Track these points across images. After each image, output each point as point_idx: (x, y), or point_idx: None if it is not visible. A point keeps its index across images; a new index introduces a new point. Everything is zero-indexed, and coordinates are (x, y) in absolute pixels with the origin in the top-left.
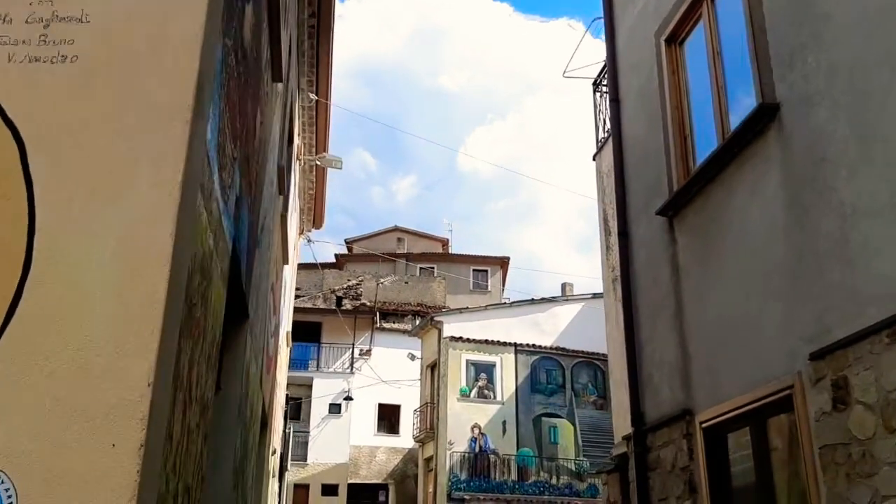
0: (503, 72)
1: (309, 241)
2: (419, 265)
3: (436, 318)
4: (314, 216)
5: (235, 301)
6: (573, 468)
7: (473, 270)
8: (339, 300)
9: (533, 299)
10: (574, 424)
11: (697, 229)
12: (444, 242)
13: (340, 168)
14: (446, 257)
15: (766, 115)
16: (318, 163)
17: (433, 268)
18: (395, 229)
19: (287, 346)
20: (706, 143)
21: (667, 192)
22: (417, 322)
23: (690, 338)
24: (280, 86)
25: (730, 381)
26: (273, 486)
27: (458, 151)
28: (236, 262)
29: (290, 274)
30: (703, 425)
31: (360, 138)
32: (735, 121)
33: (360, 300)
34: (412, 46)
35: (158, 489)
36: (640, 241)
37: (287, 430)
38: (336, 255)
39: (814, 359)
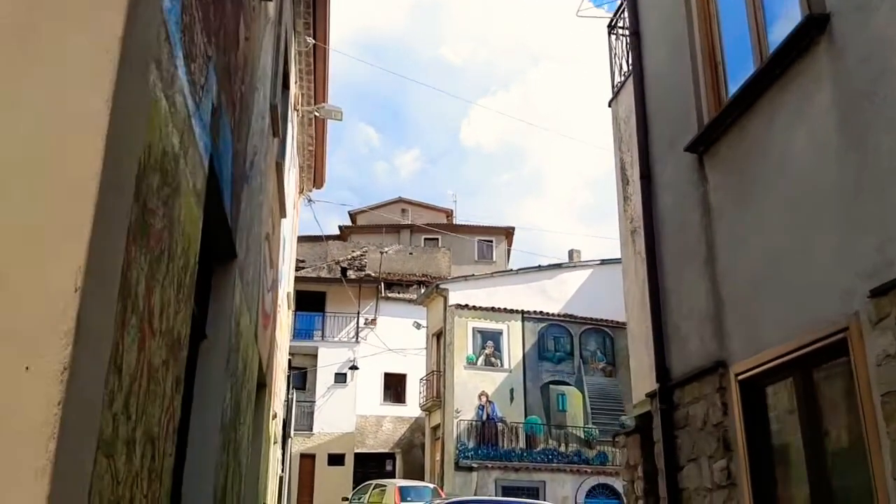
0: (506, 44)
1: (310, 200)
2: (424, 236)
3: (441, 286)
4: (315, 175)
5: (220, 235)
6: (581, 436)
7: (478, 241)
8: (343, 271)
9: (540, 266)
10: (582, 392)
11: (732, 165)
12: (449, 213)
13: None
14: (451, 228)
15: (814, 28)
16: (317, 113)
17: (437, 238)
18: (399, 200)
19: (289, 308)
20: (740, 70)
21: (695, 126)
22: (423, 291)
23: (724, 283)
24: (271, 6)
25: (771, 329)
26: (275, 452)
27: (462, 124)
28: (216, 186)
29: (289, 231)
30: (739, 378)
31: (363, 112)
32: (775, 41)
33: (364, 271)
34: (413, 19)
35: (101, 431)
36: (666, 183)
37: (290, 397)
38: (340, 227)
39: (875, 295)
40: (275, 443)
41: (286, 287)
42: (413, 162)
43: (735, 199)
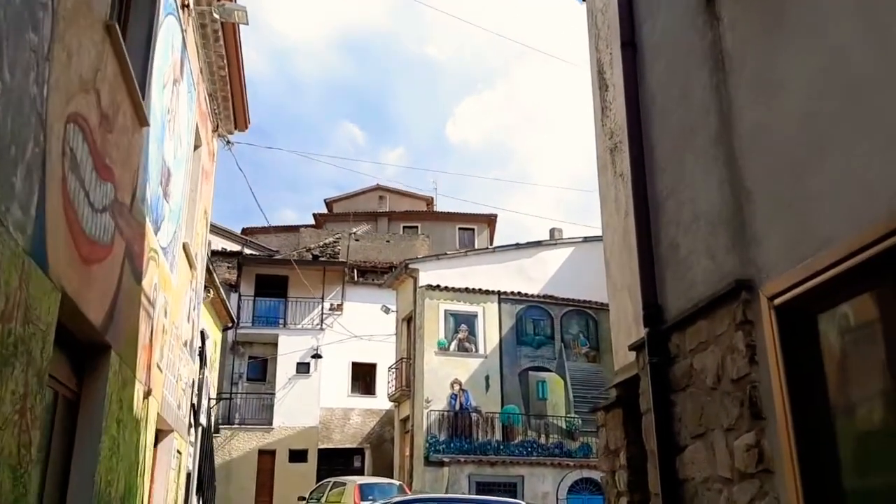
0: (492, 40)
1: (228, 143)
2: (403, 224)
3: (410, 266)
4: (234, 110)
5: None
6: (564, 426)
7: (459, 229)
8: (314, 258)
9: (518, 244)
10: (564, 378)
11: None
12: (429, 201)
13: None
14: (431, 216)
15: None
16: (217, 14)
17: (417, 227)
18: (377, 188)
19: (191, 268)
20: None
21: None
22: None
23: (747, 165)
24: None
25: (833, 217)
26: (175, 442)
27: (447, 122)
28: None
29: (197, 172)
30: (776, 302)
31: (347, 111)
32: None
33: (336, 258)
34: (396, 15)
35: None
36: (656, 45)
37: (202, 377)
38: (314, 215)
39: None
40: (145, 426)
41: (184, 236)
42: (398, 159)
43: (762, 32)
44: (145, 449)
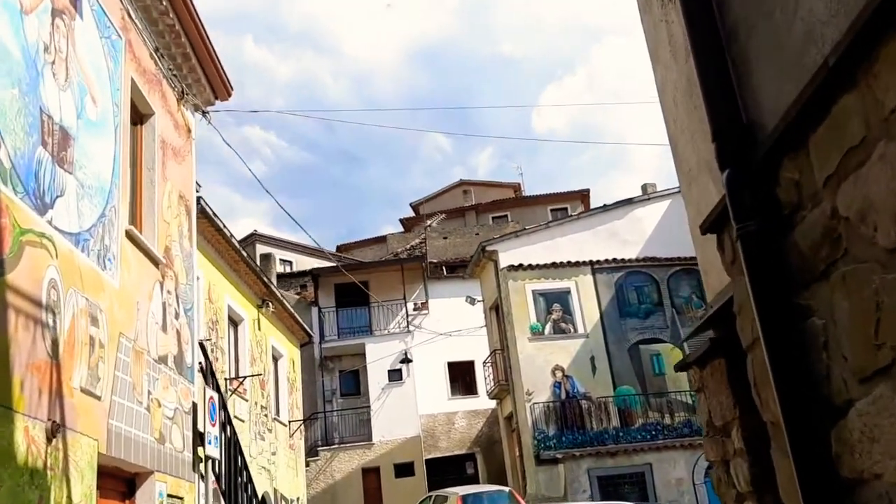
0: (563, 26)
1: (205, 113)
2: (491, 214)
3: (488, 248)
4: (206, 75)
5: None
6: (689, 401)
7: (551, 210)
8: (396, 258)
9: (605, 205)
10: (681, 348)
11: None
12: (516, 188)
13: None
14: (519, 202)
15: None
16: None
17: (506, 215)
18: (461, 183)
19: (156, 265)
20: None
21: None
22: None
23: None
24: None
25: None
26: (77, 490)
27: (532, 112)
28: None
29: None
30: None
31: (431, 121)
32: None
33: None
34: (463, 19)
35: None
36: None
37: (215, 397)
38: (401, 220)
39: None
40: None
41: (127, 222)
42: (489, 160)
43: None
44: None
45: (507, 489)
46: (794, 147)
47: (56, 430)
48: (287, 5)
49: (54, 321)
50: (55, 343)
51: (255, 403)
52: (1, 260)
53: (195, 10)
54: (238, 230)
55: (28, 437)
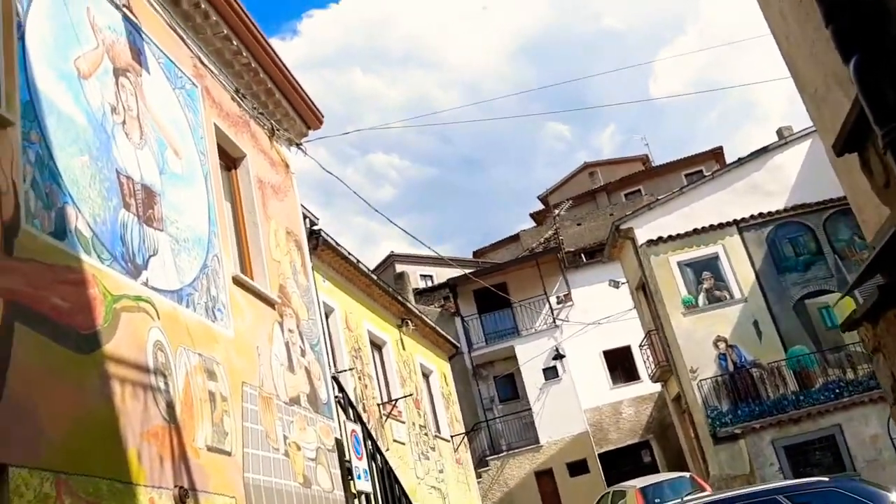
0: None
1: (298, 145)
2: (622, 192)
3: (622, 227)
4: (293, 107)
5: None
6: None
7: (685, 176)
8: (530, 253)
9: (740, 158)
10: (853, 295)
11: None
12: (644, 160)
13: None
14: (650, 174)
15: None
16: None
17: (639, 189)
18: (585, 166)
19: (271, 306)
20: None
21: None
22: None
23: None
24: None
25: None
26: None
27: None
28: None
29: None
30: None
31: (547, 112)
32: None
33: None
34: (558, 4)
35: None
36: None
37: (358, 430)
38: (531, 215)
39: None
40: None
41: (234, 268)
42: (612, 138)
43: None
44: None
45: (687, 475)
46: None
47: (185, 496)
48: (386, 32)
49: (166, 383)
50: (170, 405)
51: (413, 424)
52: (95, 332)
53: (268, 44)
54: (379, 253)
55: None
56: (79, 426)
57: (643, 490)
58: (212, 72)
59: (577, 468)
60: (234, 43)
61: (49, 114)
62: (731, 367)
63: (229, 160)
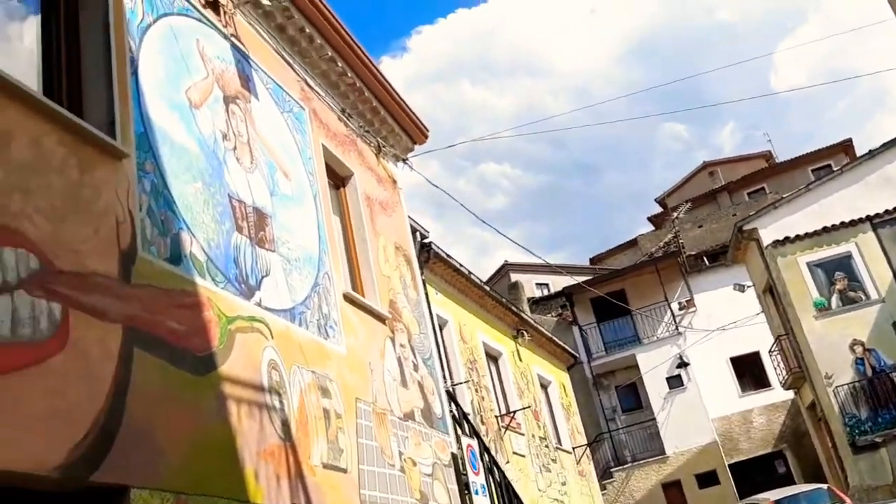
0: None
1: (404, 160)
2: (745, 191)
3: (745, 228)
4: (398, 123)
5: None
6: None
7: (812, 171)
8: (651, 258)
9: (871, 151)
10: None
11: None
12: (767, 156)
13: None
14: (773, 170)
15: None
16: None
17: (763, 187)
18: (704, 165)
19: (382, 322)
20: None
21: None
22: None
23: None
24: None
25: None
26: None
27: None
28: None
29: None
30: None
31: (662, 112)
32: None
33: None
34: (668, 2)
35: None
36: None
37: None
38: (649, 218)
39: None
40: None
41: (345, 286)
42: (731, 136)
43: None
44: None
45: (825, 486)
46: None
47: None
48: (494, 42)
49: (281, 402)
50: (285, 424)
51: (533, 436)
52: (211, 354)
53: (372, 63)
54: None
55: None
56: (196, 447)
57: (778, 502)
58: (318, 94)
59: (707, 479)
60: (339, 64)
61: (162, 144)
62: (869, 372)
63: (337, 179)
